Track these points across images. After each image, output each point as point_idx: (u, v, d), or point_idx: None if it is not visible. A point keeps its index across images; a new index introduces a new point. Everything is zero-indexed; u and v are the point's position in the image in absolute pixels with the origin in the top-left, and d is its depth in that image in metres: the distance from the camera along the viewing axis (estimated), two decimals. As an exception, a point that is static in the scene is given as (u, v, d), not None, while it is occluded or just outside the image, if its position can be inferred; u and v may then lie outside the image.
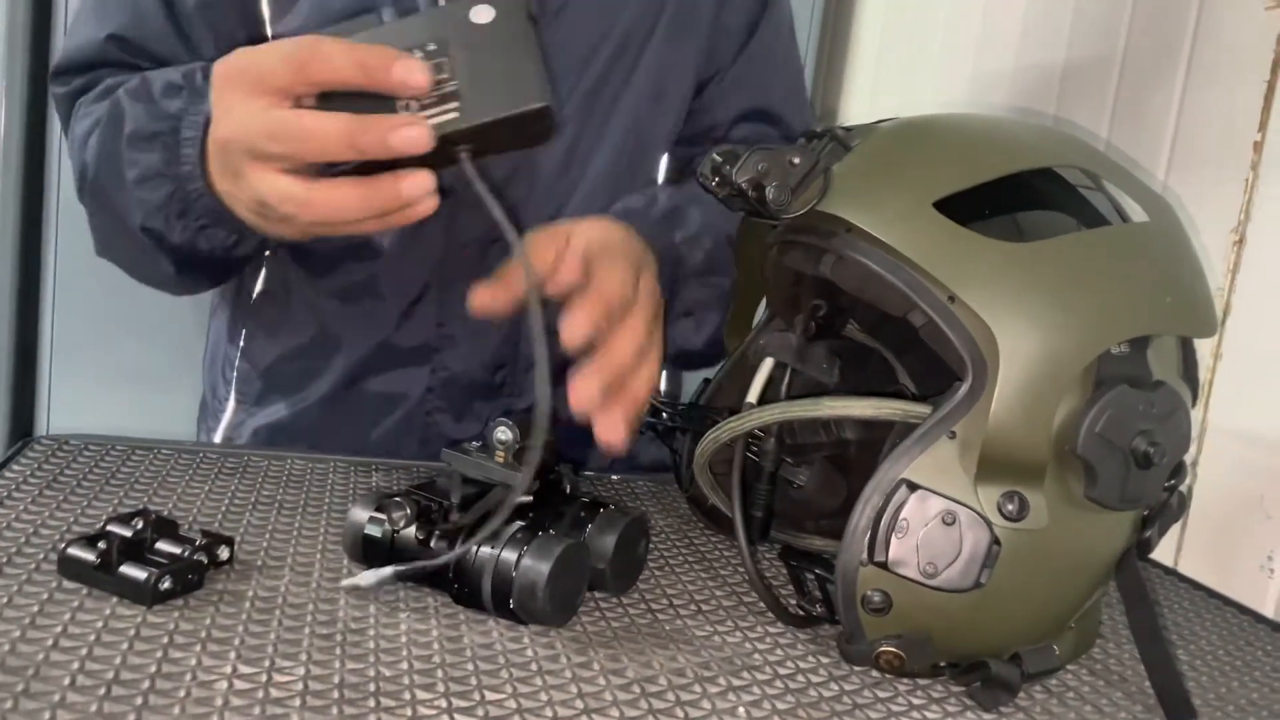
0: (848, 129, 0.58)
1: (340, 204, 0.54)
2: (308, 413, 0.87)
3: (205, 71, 0.63)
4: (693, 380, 0.76)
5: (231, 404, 0.91)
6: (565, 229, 0.64)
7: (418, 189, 0.54)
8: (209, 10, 0.80)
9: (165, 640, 0.46)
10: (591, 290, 0.59)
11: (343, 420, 0.86)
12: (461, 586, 0.53)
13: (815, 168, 0.55)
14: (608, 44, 0.84)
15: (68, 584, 0.51)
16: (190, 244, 0.69)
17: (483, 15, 0.55)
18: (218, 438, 0.91)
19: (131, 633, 0.47)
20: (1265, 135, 0.83)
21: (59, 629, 0.46)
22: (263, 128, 0.54)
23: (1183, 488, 0.56)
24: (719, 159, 0.55)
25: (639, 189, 0.88)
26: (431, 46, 0.54)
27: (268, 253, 0.87)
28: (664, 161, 0.93)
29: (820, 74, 1.74)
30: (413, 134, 0.52)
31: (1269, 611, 0.79)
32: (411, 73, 0.52)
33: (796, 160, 0.54)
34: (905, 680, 0.53)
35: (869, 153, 0.56)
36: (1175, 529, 0.84)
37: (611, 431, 0.57)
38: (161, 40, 0.79)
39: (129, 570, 0.50)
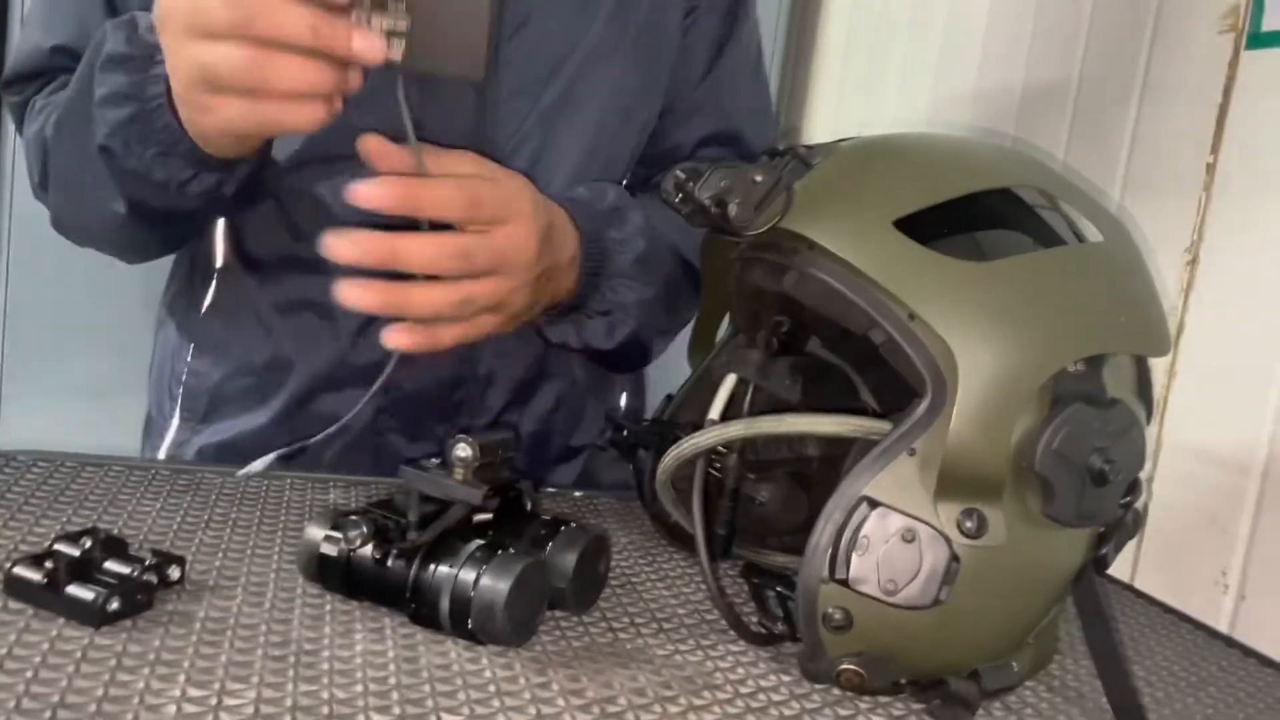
0: (810, 147, 0.58)
1: (291, 26, 0.55)
2: (256, 433, 0.85)
3: None
4: (655, 397, 0.75)
5: (176, 422, 0.89)
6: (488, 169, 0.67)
7: (369, 49, 0.57)
8: None
9: (113, 662, 0.45)
10: (461, 188, 0.63)
11: (293, 440, 0.84)
12: (419, 606, 0.52)
13: (777, 185, 0.55)
14: (570, 62, 0.83)
15: (13, 604, 0.49)
16: (146, 171, 0.68)
17: None
18: (162, 455, 0.89)
19: (78, 655, 0.45)
20: (1218, 157, 0.85)
21: (3, 651, 0.45)
22: (228, 62, 0.56)
23: (1138, 505, 0.57)
24: (682, 175, 0.55)
25: None
26: None
27: (219, 266, 0.86)
28: (625, 182, 0.92)
29: (784, 92, 1.75)
30: (371, 45, 0.56)
31: (1223, 627, 0.80)
32: (371, 49, 0.56)
33: (759, 178, 0.54)
34: (866, 698, 0.53)
35: (831, 171, 0.56)
36: (1131, 545, 0.85)
37: (396, 337, 0.62)
38: None
39: (76, 591, 0.48)
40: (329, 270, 0.82)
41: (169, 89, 0.63)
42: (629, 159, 0.91)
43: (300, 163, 0.79)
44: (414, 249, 0.61)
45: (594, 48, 0.84)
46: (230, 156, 0.67)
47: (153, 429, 0.92)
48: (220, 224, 0.86)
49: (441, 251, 0.63)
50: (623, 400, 0.98)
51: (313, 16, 0.55)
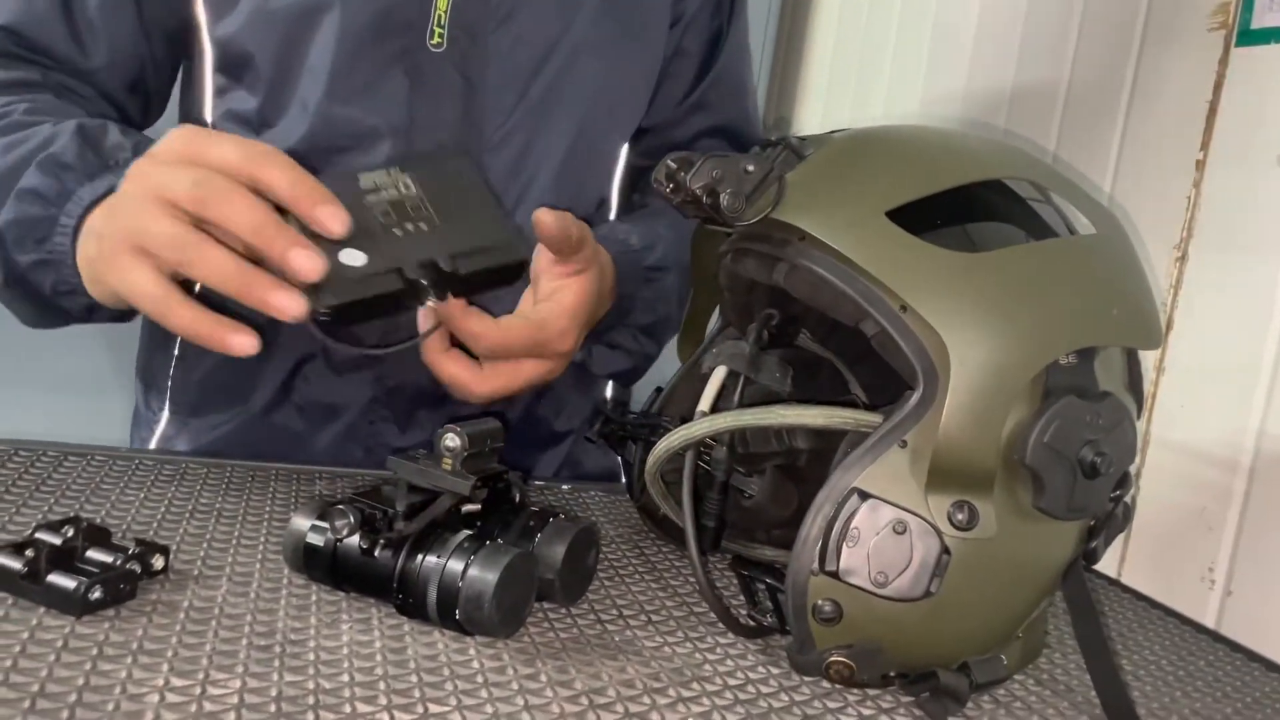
0: (802, 138, 0.58)
1: (238, 217, 0.56)
2: (247, 425, 0.84)
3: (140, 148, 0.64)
4: (643, 389, 0.75)
5: (166, 414, 0.88)
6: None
7: (242, 347, 0.57)
8: (112, 13, 0.78)
9: (94, 651, 0.45)
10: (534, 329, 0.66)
11: (283, 430, 0.84)
12: (406, 597, 0.52)
13: (769, 176, 0.54)
14: (557, 56, 0.83)
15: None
16: (25, 270, 0.67)
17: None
18: (152, 449, 0.88)
19: (59, 644, 0.45)
20: (1207, 154, 0.85)
21: (-19, 640, 0.44)
22: (168, 234, 0.56)
23: (1128, 498, 0.57)
24: (673, 165, 0.55)
25: (590, 200, 0.89)
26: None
27: None
28: (617, 175, 0.92)
29: (774, 85, 1.75)
30: (287, 305, 0.55)
31: (1210, 622, 0.80)
32: (333, 220, 0.57)
33: (751, 168, 0.54)
34: (855, 690, 0.53)
35: (823, 162, 0.56)
36: (1118, 541, 0.86)
37: (437, 356, 0.66)
38: (53, 38, 0.77)
39: (57, 579, 0.48)
40: None
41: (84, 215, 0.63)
42: (616, 153, 0.91)
43: (293, 156, 0.78)
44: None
45: (580, 41, 0.83)
46: (101, 303, 0.66)
47: (141, 421, 0.91)
48: None
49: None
50: (608, 390, 0.97)
51: (263, 215, 0.56)
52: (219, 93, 0.82)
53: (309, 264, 0.55)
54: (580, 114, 0.85)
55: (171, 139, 0.59)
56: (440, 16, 0.77)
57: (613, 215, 0.93)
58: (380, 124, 0.78)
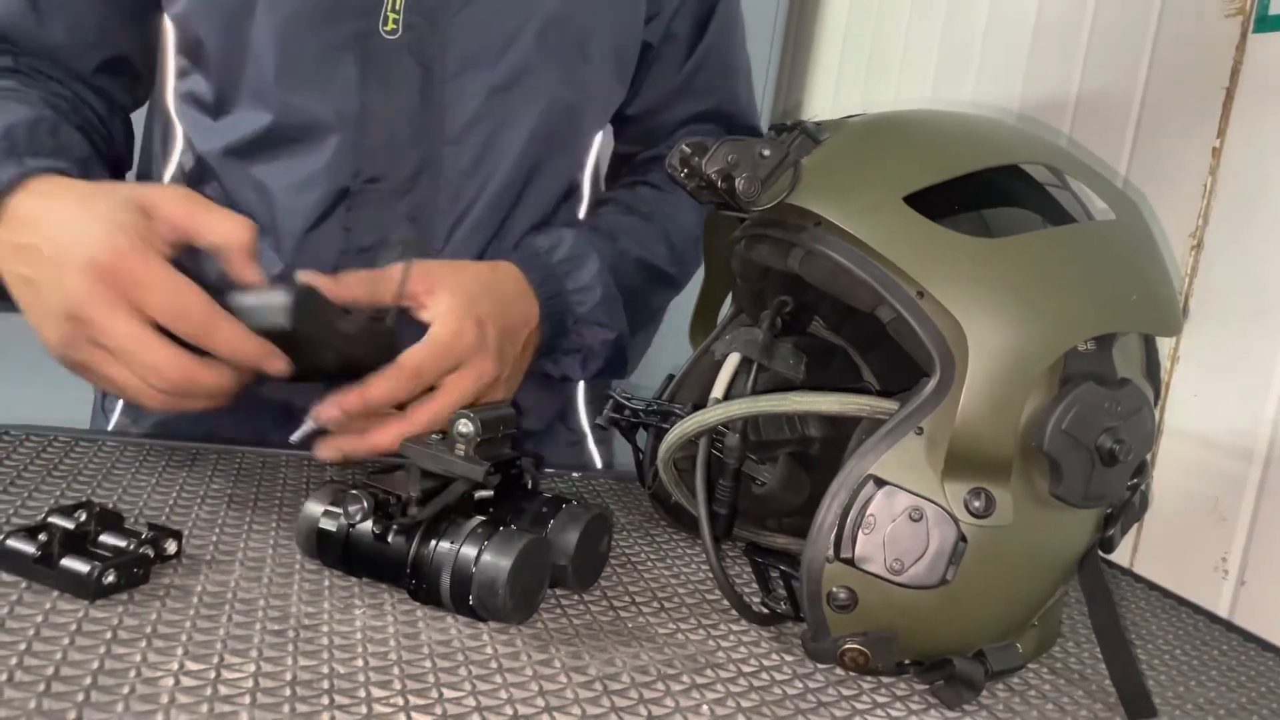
0: (818, 123, 0.57)
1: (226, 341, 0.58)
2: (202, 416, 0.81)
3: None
4: (655, 377, 0.75)
5: (120, 406, 0.85)
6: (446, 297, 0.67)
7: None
8: None
9: (108, 635, 0.44)
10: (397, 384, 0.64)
11: (237, 420, 0.78)
12: (419, 582, 0.52)
13: (785, 160, 0.54)
14: (522, 38, 0.77)
15: (6, 577, 0.48)
16: None
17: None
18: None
19: (73, 628, 0.45)
20: (1224, 141, 0.85)
21: (-5, 624, 0.44)
22: (114, 333, 0.57)
23: (1145, 486, 0.57)
24: (688, 150, 0.54)
25: (554, 193, 0.85)
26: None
27: None
28: (589, 164, 0.88)
29: (784, 70, 1.74)
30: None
31: (1223, 612, 0.80)
32: (280, 367, 0.60)
33: (766, 153, 0.54)
34: (869, 678, 0.53)
35: (839, 146, 0.55)
36: (1131, 531, 0.85)
37: (324, 451, 0.64)
38: (9, 12, 0.74)
39: (71, 563, 0.48)
40: (273, 254, 0.78)
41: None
42: (588, 141, 0.87)
43: (246, 149, 0.77)
44: (386, 396, 0.64)
45: (547, 21, 0.78)
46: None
47: (98, 413, 0.89)
48: None
49: (396, 395, 0.64)
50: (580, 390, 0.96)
51: (187, 372, 0.57)
52: (180, 74, 0.80)
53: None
54: (545, 102, 0.80)
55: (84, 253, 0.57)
56: (394, 1, 0.73)
57: (585, 204, 0.89)
58: (330, 114, 0.75)
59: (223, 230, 0.60)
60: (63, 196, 0.61)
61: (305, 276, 0.62)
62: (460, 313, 0.66)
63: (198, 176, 0.80)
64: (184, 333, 0.57)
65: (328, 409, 0.62)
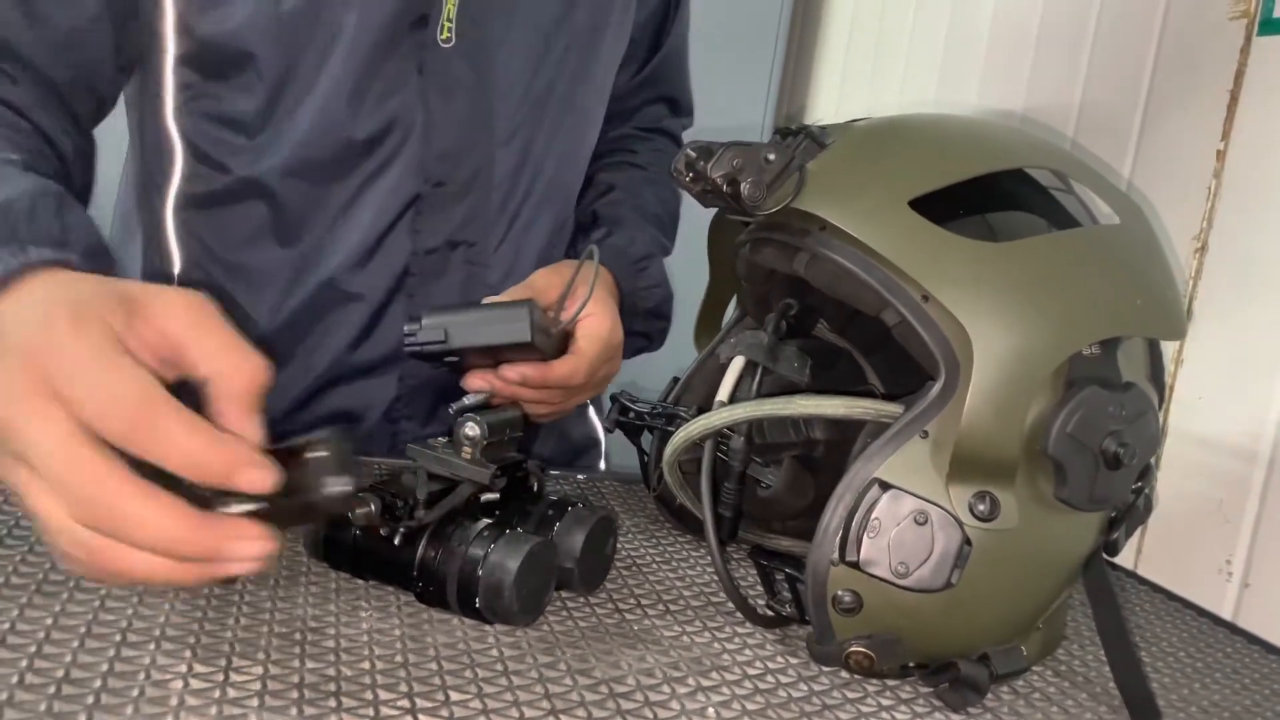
0: (823, 127, 0.58)
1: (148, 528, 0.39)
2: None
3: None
4: (659, 380, 0.75)
5: None
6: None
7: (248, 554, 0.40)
8: None
9: (118, 638, 0.45)
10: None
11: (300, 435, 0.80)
12: (426, 585, 0.52)
13: (790, 165, 0.54)
14: (555, 45, 0.81)
15: (15, 579, 0.49)
16: None
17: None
18: None
19: (82, 630, 0.45)
20: (1228, 144, 0.85)
21: (6, 626, 0.44)
22: (28, 434, 0.39)
23: (1149, 489, 0.57)
24: (693, 154, 0.55)
25: (579, 186, 0.91)
26: None
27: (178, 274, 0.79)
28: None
29: (788, 74, 1.75)
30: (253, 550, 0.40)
31: (1227, 615, 0.80)
32: (263, 480, 0.40)
33: (772, 157, 0.54)
34: (874, 681, 0.53)
35: (844, 150, 0.55)
36: (1135, 533, 0.85)
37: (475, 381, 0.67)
38: None
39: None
40: (337, 260, 0.79)
41: None
42: (595, 139, 0.92)
43: (308, 165, 0.76)
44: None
45: (572, 31, 0.82)
46: None
47: None
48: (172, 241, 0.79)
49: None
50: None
51: (179, 525, 0.39)
52: (186, 89, 0.75)
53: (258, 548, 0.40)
54: (582, 103, 0.85)
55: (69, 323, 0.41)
56: (450, 10, 0.75)
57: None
58: (396, 123, 0.76)
59: (227, 363, 0.43)
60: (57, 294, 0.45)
61: (515, 293, 0.70)
62: (609, 309, 0.74)
63: (224, 198, 0.77)
64: (115, 433, 0.39)
65: (509, 373, 0.66)
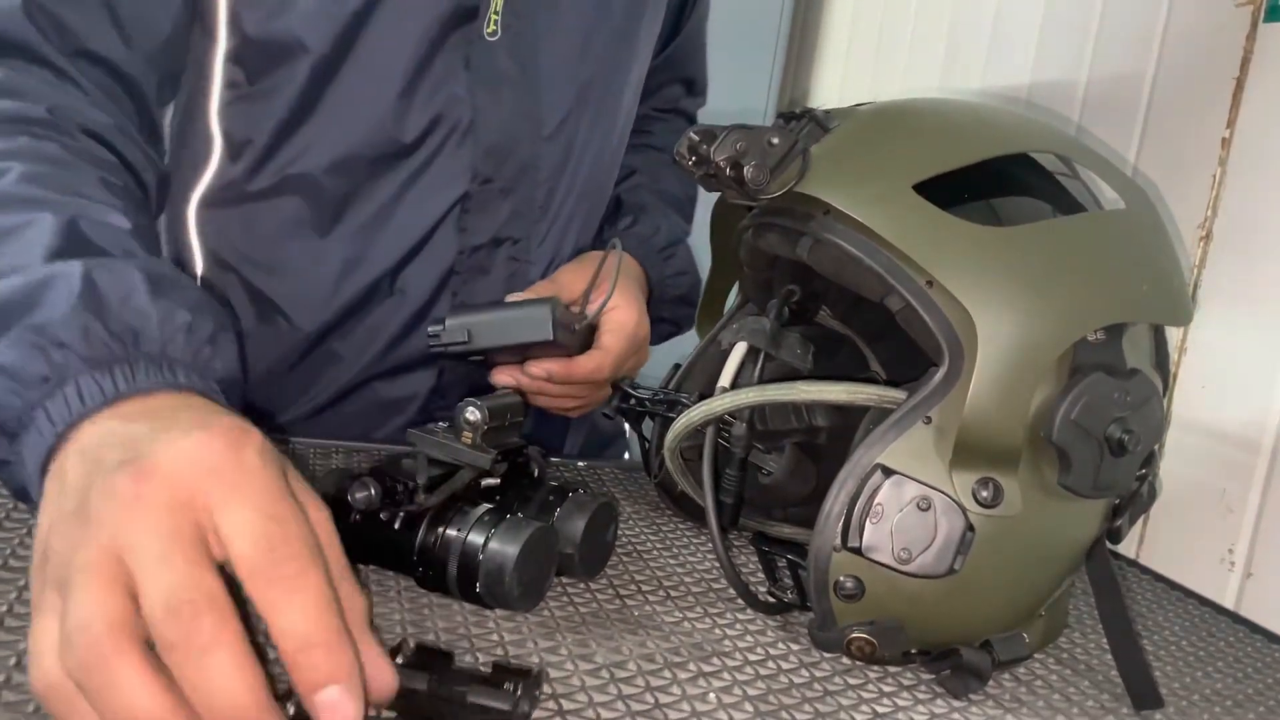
0: (827, 111, 0.57)
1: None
2: (299, 423, 0.80)
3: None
4: (661, 366, 0.75)
5: None
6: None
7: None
8: None
9: (116, 621, 0.44)
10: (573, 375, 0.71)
11: (340, 427, 0.81)
12: (426, 569, 0.52)
13: (794, 148, 0.54)
14: (597, 40, 0.81)
15: (5, 573, 0.48)
16: None
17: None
18: None
19: (81, 613, 0.45)
20: (1233, 131, 0.84)
21: (4, 607, 0.44)
22: (85, 663, 0.33)
23: (1153, 477, 0.57)
24: (696, 138, 0.54)
25: (615, 179, 0.91)
26: None
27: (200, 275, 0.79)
28: None
29: (791, 58, 1.74)
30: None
31: (1229, 604, 0.80)
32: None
33: (775, 140, 0.53)
34: (876, 667, 0.53)
35: (848, 135, 0.55)
36: (1138, 522, 0.85)
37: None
38: None
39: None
40: (386, 260, 0.78)
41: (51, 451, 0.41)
42: (630, 125, 0.92)
43: (355, 162, 0.75)
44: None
45: (611, 26, 0.82)
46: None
47: None
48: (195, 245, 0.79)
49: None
50: None
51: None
52: (232, 86, 0.75)
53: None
54: (623, 92, 0.86)
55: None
56: (497, 3, 0.74)
57: None
58: (443, 118, 0.76)
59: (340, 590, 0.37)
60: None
61: (540, 289, 0.71)
62: (634, 301, 0.75)
63: (258, 195, 0.76)
64: (161, 640, 0.33)
65: (534, 369, 0.68)
